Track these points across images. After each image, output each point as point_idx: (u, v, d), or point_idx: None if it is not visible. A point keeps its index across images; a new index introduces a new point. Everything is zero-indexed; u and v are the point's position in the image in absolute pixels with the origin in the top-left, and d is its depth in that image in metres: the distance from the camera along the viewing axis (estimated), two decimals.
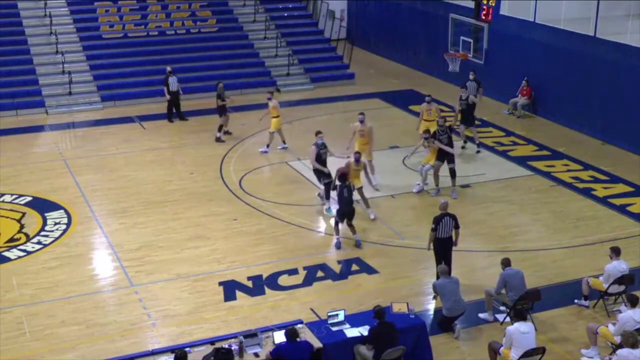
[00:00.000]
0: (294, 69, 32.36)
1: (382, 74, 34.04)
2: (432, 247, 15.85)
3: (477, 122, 24.96)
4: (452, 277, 14.51)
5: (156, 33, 32.79)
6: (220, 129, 25.36)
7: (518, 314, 12.97)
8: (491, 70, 29.01)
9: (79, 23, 32.30)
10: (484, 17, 29.16)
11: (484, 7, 29.07)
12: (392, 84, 32.12)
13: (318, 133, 20.22)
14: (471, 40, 29.19)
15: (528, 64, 27.72)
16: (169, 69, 27.40)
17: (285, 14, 35.79)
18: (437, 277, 14.99)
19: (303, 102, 29.26)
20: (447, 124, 20.89)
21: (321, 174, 19.95)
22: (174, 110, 27.25)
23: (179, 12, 33.83)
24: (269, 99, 23.97)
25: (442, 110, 24.35)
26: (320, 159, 19.89)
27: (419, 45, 34.10)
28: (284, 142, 24.29)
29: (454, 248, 15.96)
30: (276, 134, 24.06)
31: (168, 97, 27.00)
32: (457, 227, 15.83)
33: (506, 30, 28.57)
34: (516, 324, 12.74)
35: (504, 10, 28.69)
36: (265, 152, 23.96)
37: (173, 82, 26.88)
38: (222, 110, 25.21)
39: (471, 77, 25.59)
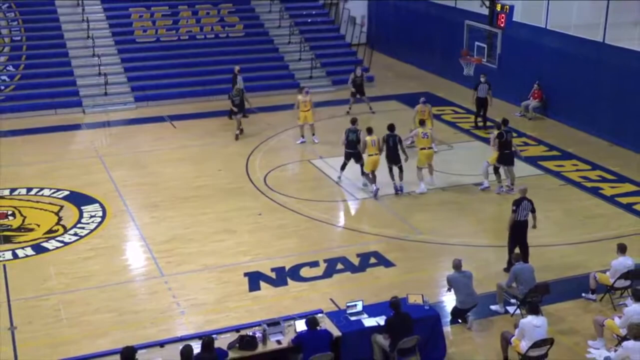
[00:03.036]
0: (317, 72, 32.26)
1: (400, 77, 33.92)
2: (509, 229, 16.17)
3: (488, 124, 25.03)
4: (466, 271, 14.41)
5: (187, 37, 32.86)
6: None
7: (532, 308, 12.83)
8: (504, 74, 28.77)
9: (115, 28, 32.43)
10: (498, 24, 28.96)
11: (498, 14, 28.87)
12: (410, 86, 32.00)
13: (354, 122, 21.23)
14: (485, 46, 28.98)
15: (540, 68, 27.54)
16: (237, 68, 27.48)
17: (309, 20, 35.75)
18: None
19: (325, 104, 29.10)
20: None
21: (349, 156, 20.98)
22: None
23: (209, 17, 33.87)
24: (307, 92, 24.68)
25: (456, 112, 24.22)
26: (347, 139, 20.81)
27: (436, 50, 33.93)
28: (302, 136, 24.81)
29: (528, 231, 16.27)
30: (298, 128, 24.85)
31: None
32: (533, 211, 16.15)
33: (519, 36, 28.36)
34: (529, 317, 12.63)
35: (517, 17, 28.48)
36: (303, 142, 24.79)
37: (240, 81, 26.95)
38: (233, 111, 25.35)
39: (482, 79, 25.73)
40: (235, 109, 25.03)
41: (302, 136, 24.72)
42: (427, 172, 21.06)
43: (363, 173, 20.92)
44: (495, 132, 20.60)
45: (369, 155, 20.46)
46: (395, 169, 20.57)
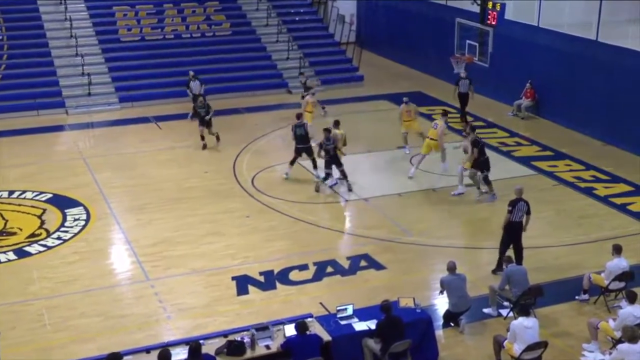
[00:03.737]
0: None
1: (390, 76, 33.99)
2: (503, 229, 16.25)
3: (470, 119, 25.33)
4: (460, 273, 14.40)
5: (172, 36, 32.84)
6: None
7: (522, 310, 12.92)
8: (496, 73, 28.92)
9: (98, 27, 32.39)
10: (489, 22, 29.09)
11: (490, 12, 29.01)
12: (400, 86, 32.05)
13: (299, 117, 21.97)
14: (477, 44, 29.12)
15: (532, 67, 27.64)
16: (192, 73, 27.40)
17: (297, 18, 35.79)
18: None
19: None
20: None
21: (299, 151, 21.50)
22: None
23: (195, 16, 33.86)
24: (313, 93, 25.21)
25: (448, 112, 24.23)
26: (295, 135, 21.36)
27: (427, 48, 34.00)
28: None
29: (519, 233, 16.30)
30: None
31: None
32: (528, 213, 16.17)
33: (511, 34, 28.49)
34: (520, 319, 12.68)
35: (509, 15, 28.62)
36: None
37: (195, 86, 26.82)
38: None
39: (463, 75, 26.46)
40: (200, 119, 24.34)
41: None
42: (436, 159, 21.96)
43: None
44: (469, 137, 20.43)
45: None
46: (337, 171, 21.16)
